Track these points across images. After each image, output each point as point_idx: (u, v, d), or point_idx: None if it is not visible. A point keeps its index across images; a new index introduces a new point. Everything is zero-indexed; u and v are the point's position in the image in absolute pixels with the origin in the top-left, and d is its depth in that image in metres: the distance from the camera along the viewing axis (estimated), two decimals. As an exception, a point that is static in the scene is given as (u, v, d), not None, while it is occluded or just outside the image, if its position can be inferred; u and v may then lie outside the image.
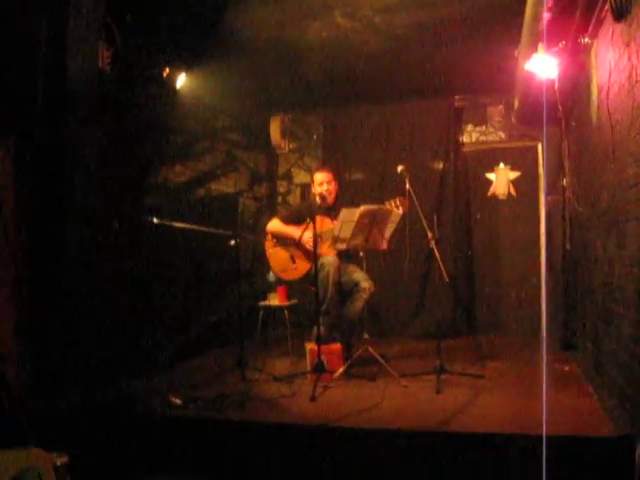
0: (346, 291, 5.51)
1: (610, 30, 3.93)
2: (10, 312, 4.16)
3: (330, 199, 5.70)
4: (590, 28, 4.31)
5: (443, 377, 4.86)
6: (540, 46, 4.40)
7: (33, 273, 4.31)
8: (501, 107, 7.66)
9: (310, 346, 5.27)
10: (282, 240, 5.69)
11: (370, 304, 5.49)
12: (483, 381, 4.95)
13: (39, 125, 4.31)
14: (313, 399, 4.49)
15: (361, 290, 5.43)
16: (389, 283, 7.33)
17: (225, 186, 7.38)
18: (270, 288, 6.40)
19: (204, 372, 5.60)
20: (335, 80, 6.85)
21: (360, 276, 5.49)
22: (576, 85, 5.43)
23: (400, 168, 5.22)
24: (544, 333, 7.08)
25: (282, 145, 8.21)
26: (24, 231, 4.26)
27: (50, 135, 4.35)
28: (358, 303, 5.45)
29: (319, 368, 4.85)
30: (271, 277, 6.08)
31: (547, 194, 7.19)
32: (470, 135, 7.85)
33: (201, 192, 6.84)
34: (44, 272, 4.32)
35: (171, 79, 5.76)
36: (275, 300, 6.25)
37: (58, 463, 3.28)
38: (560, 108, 5.27)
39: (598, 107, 4.48)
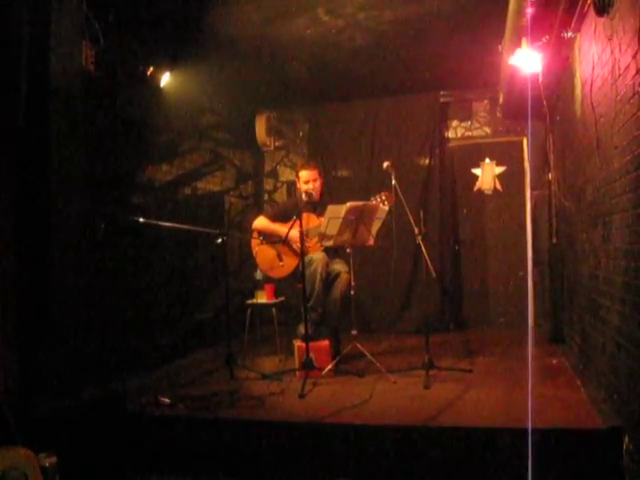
0: (329, 282, 5.52)
1: (593, 24, 3.95)
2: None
3: (316, 196, 5.70)
4: (573, 22, 4.33)
5: (432, 372, 4.88)
6: (524, 41, 4.41)
7: (18, 273, 4.27)
8: (486, 102, 7.69)
9: (298, 343, 5.28)
10: (268, 237, 5.66)
11: (357, 300, 5.48)
12: (471, 376, 4.97)
13: (23, 125, 4.27)
14: (302, 396, 4.49)
15: (341, 277, 5.46)
16: (376, 279, 7.34)
17: (211, 185, 7.35)
18: (257, 286, 6.37)
19: (192, 371, 5.58)
20: (320, 77, 6.85)
21: (341, 267, 5.52)
22: (560, 79, 5.46)
23: (386, 164, 5.23)
24: (530, 326, 7.13)
25: (268, 143, 8.20)
26: (7, 231, 4.23)
27: (34, 135, 4.31)
28: (338, 289, 5.46)
29: (308, 365, 4.85)
30: (258, 275, 6.05)
31: (533, 188, 7.24)
32: (455, 130, 7.87)
33: (187, 191, 6.81)
34: (29, 272, 4.29)
35: (155, 78, 5.73)
36: (263, 298, 6.22)
37: (47, 464, 3.25)
38: (545, 102, 5.29)
39: (582, 101, 4.50)
